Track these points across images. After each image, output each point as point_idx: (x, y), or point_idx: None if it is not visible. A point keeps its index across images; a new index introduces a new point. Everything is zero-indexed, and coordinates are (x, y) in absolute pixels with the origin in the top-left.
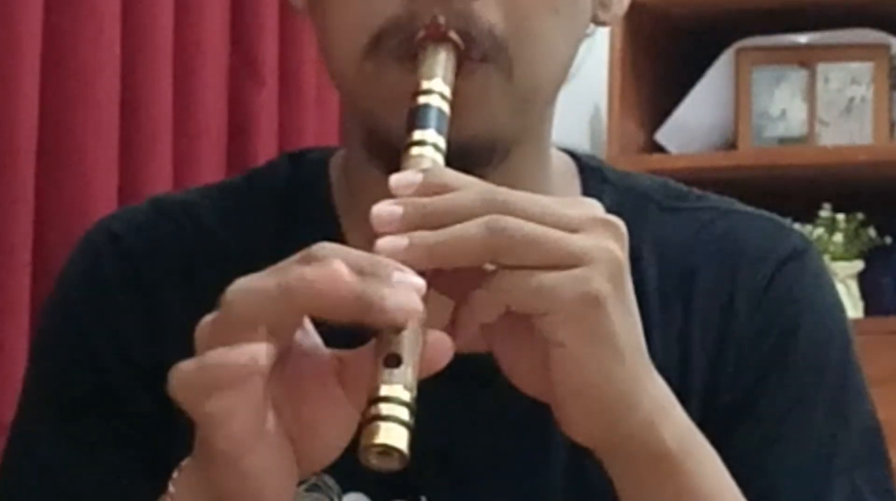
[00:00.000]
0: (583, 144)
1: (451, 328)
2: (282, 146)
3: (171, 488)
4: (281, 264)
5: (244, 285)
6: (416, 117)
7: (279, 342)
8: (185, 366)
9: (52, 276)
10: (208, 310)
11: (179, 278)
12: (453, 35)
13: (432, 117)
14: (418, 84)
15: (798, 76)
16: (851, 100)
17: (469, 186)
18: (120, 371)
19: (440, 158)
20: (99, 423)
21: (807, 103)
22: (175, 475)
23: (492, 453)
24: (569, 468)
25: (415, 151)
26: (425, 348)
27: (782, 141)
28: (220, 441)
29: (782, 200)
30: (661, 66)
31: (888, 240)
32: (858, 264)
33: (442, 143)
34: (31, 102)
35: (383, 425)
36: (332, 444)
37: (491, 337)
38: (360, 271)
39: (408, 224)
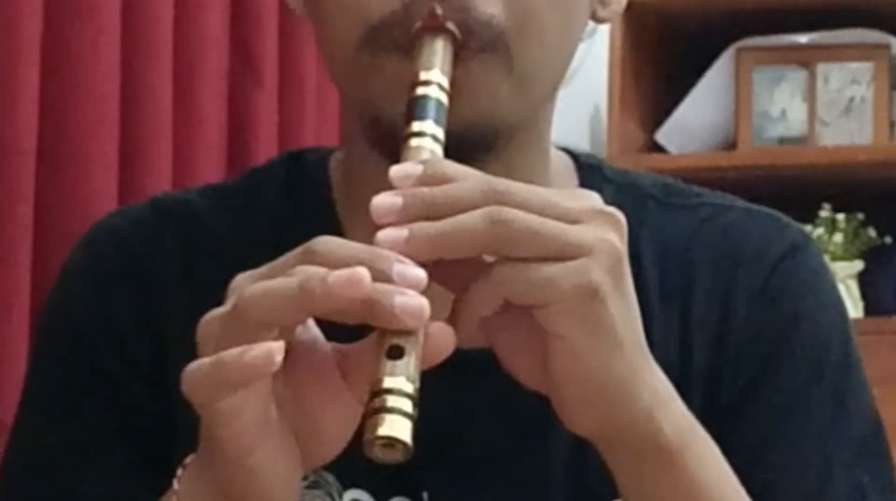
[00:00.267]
0: (583, 144)
1: (452, 321)
2: (282, 146)
3: (175, 485)
4: (283, 259)
5: (259, 286)
6: (415, 108)
7: (285, 338)
8: (201, 365)
9: (52, 276)
10: (208, 308)
11: (179, 277)
12: (451, 26)
13: (431, 108)
14: (416, 75)
15: (798, 76)
16: (851, 100)
17: (469, 178)
18: (120, 370)
19: (439, 149)
20: (99, 421)
21: (807, 103)
22: (179, 472)
23: (492, 447)
24: (570, 461)
25: (414, 142)
26: (427, 339)
27: (782, 141)
28: (227, 438)
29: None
30: (661, 66)
31: (888, 240)
32: (858, 264)
33: (441, 134)
34: (31, 102)
35: (387, 417)
36: (336, 438)
37: (490, 330)
38: (359, 264)
39: (407, 215)
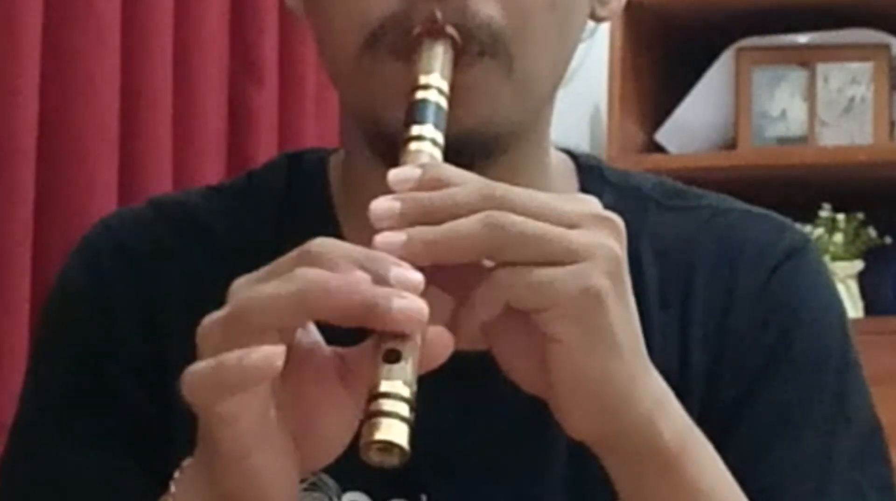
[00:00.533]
0: (583, 144)
1: (452, 325)
2: (282, 146)
3: (172, 487)
4: (281, 261)
5: (258, 289)
6: (414, 113)
7: (285, 341)
8: (201, 367)
9: (52, 276)
10: (208, 310)
11: (179, 279)
12: (450, 30)
13: (430, 112)
14: (416, 79)
15: (798, 76)
16: (851, 100)
17: (467, 182)
18: (119, 371)
19: (438, 153)
20: (98, 422)
21: (807, 103)
22: (176, 474)
23: (492, 451)
24: (569, 465)
25: (413, 146)
26: (424, 343)
27: (782, 141)
28: (227, 441)
29: (782, 200)
30: (661, 66)
31: (888, 240)
32: (858, 264)
33: (440, 138)
34: (31, 102)
35: (384, 421)
36: (334, 441)
37: (490, 334)
38: (359, 268)
39: (405, 220)
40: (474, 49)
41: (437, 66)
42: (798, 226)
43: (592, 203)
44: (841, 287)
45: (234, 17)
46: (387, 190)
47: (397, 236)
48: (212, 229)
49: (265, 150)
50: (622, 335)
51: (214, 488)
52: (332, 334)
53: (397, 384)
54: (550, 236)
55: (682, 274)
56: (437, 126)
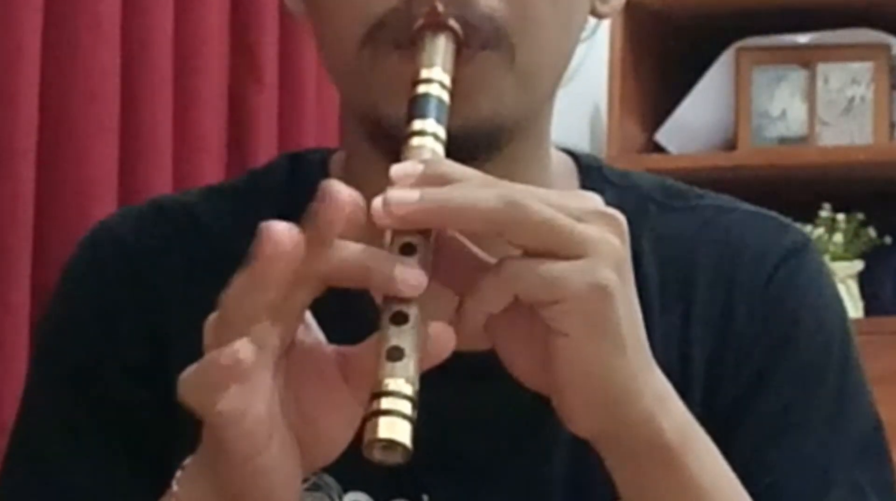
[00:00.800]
0: (583, 144)
1: (457, 321)
2: (282, 146)
3: (174, 487)
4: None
5: (234, 286)
6: (416, 107)
7: (286, 340)
8: (191, 369)
9: (53, 276)
10: (209, 311)
11: (180, 279)
12: (452, 23)
13: (432, 107)
14: (417, 73)
15: (798, 76)
16: (851, 100)
17: (470, 178)
18: (121, 372)
19: (440, 148)
20: (100, 423)
21: (807, 103)
22: (178, 474)
23: (493, 450)
24: (571, 464)
25: (415, 141)
26: (427, 340)
27: (782, 141)
28: (233, 441)
29: (782, 200)
30: (661, 66)
31: (888, 240)
32: (858, 264)
33: (442, 132)
34: (31, 102)
35: (386, 419)
36: (337, 440)
37: (493, 329)
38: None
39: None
40: (476, 42)
41: (438, 59)
42: (798, 226)
43: (595, 200)
44: (841, 287)
45: (234, 17)
46: (389, 185)
47: (410, 194)
48: (212, 230)
49: (265, 150)
50: (627, 330)
51: (218, 488)
52: (334, 333)
53: (400, 382)
54: (561, 224)
55: (683, 274)
56: (439, 121)
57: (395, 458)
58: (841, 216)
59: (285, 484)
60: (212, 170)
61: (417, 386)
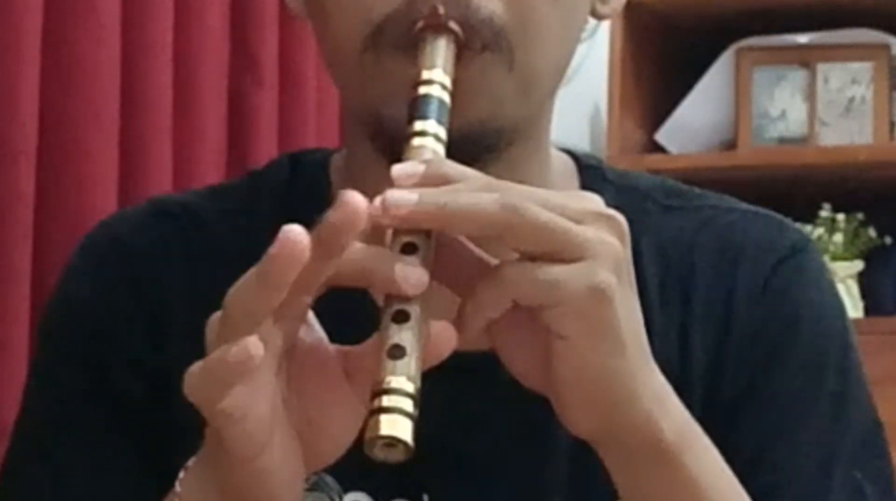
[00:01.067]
0: (583, 144)
1: (458, 323)
2: (282, 146)
3: (177, 487)
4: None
5: (239, 285)
6: (417, 108)
7: (289, 339)
8: (195, 367)
9: (53, 276)
10: (210, 311)
11: (180, 280)
12: (453, 25)
13: (433, 108)
14: (418, 74)
15: (798, 76)
16: (851, 100)
17: (470, 179)
18: (122, 373)
19: (441, 149)
20: (101, 424)
21: (807, 103)
22: (181, 474)
23: (494, 450)
24: (571, 464)
25: (416, 142)
26: (428, 338)
27: (782, 141)
28: (236, 440)
29: (782, 200)
30: (661, 66)
31: (888, 240)
32: (858, 264)
33: (443, 133)
34: (31, 102)
35: (388, 416)
36: (339, 439)
37: (493, 331)
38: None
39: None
40: (477, 44)
41: (439, 61)
42: (798, 226)
43: (595, 201)
44: (841, 287)
45: (234, 17)
46: (389, 187)
47: (409, 195)
48: (213, 230)
49: (265, 150)
50: (626, 332)
51: (221, 488)
52: (336, 332)
53: (401, 380)
54: (560, 227)
55: (683, 274)
56: (439, 121)
57: (397, 456)
58: (841, 216)
59: (287, 484)
60: (212, 170)
61: (419, 384)
